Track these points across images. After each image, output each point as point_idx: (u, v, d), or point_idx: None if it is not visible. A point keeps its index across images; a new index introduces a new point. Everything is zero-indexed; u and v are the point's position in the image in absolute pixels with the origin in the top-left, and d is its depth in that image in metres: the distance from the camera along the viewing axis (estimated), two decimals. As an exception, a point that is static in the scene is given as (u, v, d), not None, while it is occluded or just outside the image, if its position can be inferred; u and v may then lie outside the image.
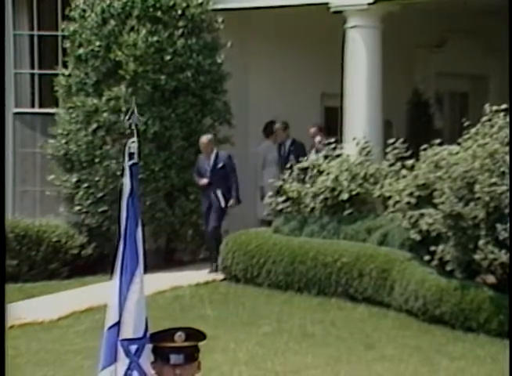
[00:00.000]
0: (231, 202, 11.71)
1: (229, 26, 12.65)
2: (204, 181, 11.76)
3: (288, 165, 11.67)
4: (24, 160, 13.98)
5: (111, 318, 3.43)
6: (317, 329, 9.31)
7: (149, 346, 3.44)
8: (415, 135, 13.70)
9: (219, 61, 12.65)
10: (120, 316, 3.41)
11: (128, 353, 3.39)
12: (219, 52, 12.68)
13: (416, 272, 9.57)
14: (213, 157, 11.84)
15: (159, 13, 12.34)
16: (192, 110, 12.45)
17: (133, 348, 3.39)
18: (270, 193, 11.59)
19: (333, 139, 11.58)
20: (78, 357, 7.90)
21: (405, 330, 9.24)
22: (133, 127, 3.36)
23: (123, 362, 3.39)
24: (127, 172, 3.42)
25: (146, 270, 3.52)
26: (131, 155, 3.40)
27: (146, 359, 3.42)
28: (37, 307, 10.79)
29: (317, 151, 12.19)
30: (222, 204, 11.69)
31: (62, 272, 12.23)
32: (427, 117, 14.98)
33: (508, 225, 8.92)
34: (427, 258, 9.58)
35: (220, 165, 11.78)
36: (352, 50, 12.05)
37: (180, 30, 12.38)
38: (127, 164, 3.41)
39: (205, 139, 11.83)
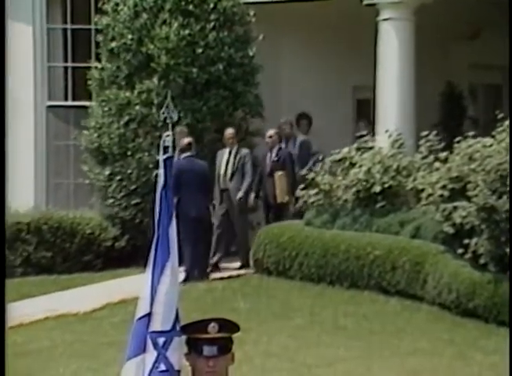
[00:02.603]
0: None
1: (261, 19, 12.64)
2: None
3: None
4: (58, 153, 14.09)
5: (141, 309, 3.45)
6: (349, 322, 9.29)
7: (178, 339, 3.45)
8: (448, 128, 13.61)
9: (251, 54, 12.66)
10: (151, 307, 3.43)
11: (155, 346, 3.41)
12: (251, 45, 12.68)
13: (449, 266, 9.53)
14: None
15: (191, 7, 12.37)
16: (223, 102, 12.47)
17: (161, 340, 3.41)
18: (302, 186, 11.58)
19: (365, 132, 11.55)
20: (112, 349, 7.95)
21: (438, 324, 9.20)
22: (168, 120, 3.37)
23: (151, 354, 3.41)
24: (161, 165, 3.44)
25: (181, 263, 3.54)
26: (165, 148, 3.41)
27: (175, 351, 3.43)
28: (71, 299, 10.88)
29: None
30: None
31: (95, 264, 12.32)
32: (461, 109, 14.87)
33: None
34: (460, 251, 9.52)
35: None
36: (385, 43, 11.99)
37: (212, 24, 12.39)
38: (161, 157, 3.43)
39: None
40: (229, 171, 11.73)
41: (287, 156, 12.18)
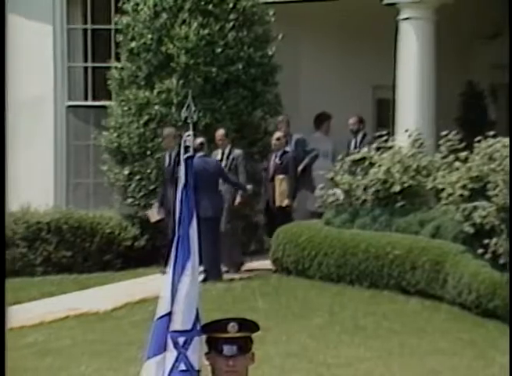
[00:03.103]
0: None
1: (280, 18, 12.64)
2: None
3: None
4: (78, 153, 14.15)
5: (162, 308, 3.46)
6: (369, 321, 9.27)
7: (198, 338, 3.45)
8: (469, 127, 13.55)
9: (270, 53, 12.66)
10: (172, 307, 3.43)
11: (176, 345, 3.41)
12: (270, 45, 12.69)
13: (469, 266, 9.49)
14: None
15: (210, 6, 12.39)
16: (243, 102, 12.48)
17: (181, 340, 3.42)
18: (321, 185, 11.56)
19: (384, 132, 11.52)
20: (133, 348, 7.97)
21: (458, 324, 9.16)
22: (189, 120, 3.38)
23: (171, 354, 3.42)
24: (182, 165, 3.45)
25: (200, 263, 3.55)
26: (186, 148, 3.42)
27: (195, 351, 3.43)
28: (91, 298, 10.92)
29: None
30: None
31: (115, 263, 12.36)
32: (481, 109, 14.80)
33: None
34: (480, 251, 9.48)
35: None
36: (405, 42, 11.96)
37: (231, 23, 12.41)
38: (182, 157, 3.43)
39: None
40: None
41: (291, 160, 12.03)
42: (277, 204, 11.88)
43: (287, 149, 12.18)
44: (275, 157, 12.02)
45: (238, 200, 11.57)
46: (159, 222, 11.59)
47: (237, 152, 11.71)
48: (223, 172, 11.38)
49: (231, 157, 11.59)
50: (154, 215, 11.63)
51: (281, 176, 11.89)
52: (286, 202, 11.83)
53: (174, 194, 12.40)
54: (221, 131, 11.72)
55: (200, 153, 11.20)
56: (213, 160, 11.41)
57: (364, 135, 12.56)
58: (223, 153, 11.64)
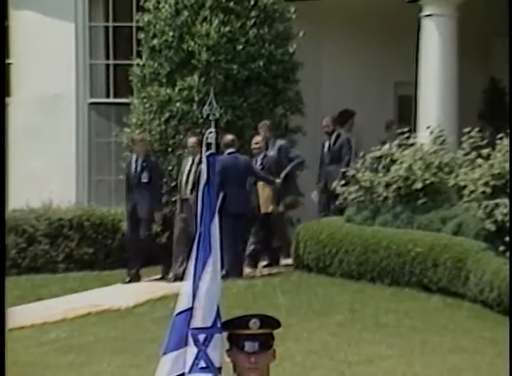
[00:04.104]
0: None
1: (301, 15, 12.62)
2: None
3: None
4: (99, 150, 14.20)
5: (182, 304, 3.46)
6: (390, 319, 9.25)
7: (219, 335, 3.45)
8: (491, 124, 13.47)
9: (291, 51, 12.65)
10: (193, 303, 3.44)
11: (196, 342, 3.41)
12: (291, 42, 12.67)
13: (491, 263, 9.44)
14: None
15: (231, 4, 12.39)
16: (264, 99, 12.47)
17: (201, 337, 3.41)
18: (342, 182, 11.53)
19: (406, 128, 11.47)
20: (154, 345, 7.94)
21: (480, 321, 9.12)
22: (211, 117, 3.38)
23: (192, 351, 3.41)
24: (204, 162, 3.45)
25: (222, 260, 3.54)
26: (208, 145, 3.42)
27: (215, 348, 3.42)
28: (113, 294, 10.96)
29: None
30: None
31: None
32: (504, 105, 14.71)
33: None
34: (502, 248, 9.43)
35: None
36: (427, 39, 11.92)
37: (252, 20, 12.41)
38: (204, 154, 3.44)
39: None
40: (191, 181, 11.28)
41: (272, 163, 11.62)
42: (262, 210, 11.45)
43: (271, 153, 11.84)
44: (256, 161, 11.65)
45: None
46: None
47: (343, 137, 11.69)
48: (253, 169, 11.39)
49: (201, 165, 11.28)
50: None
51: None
52: (271, 208, 11.45)
53: (145, 200, 12.01)
54: (192, 139, 11.44)
55: (230, 150, 11.20)
56: (244, 158, 11.39)
57: (338, 136, 12.32)
58: (193, 161, 11.32)
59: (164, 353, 3.46)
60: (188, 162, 11.51)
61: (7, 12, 13.90)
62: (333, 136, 12.37)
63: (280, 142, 12.14)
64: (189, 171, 11.36)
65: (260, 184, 11.55)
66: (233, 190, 10.88)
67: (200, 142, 11.47)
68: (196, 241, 3.50)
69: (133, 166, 11.58)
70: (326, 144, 12.37)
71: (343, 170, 11.82)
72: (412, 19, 12.07)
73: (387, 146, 11.41)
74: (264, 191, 11.51)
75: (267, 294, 10.24)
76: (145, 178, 11.38)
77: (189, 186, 11.26)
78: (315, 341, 8.57)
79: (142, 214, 11.41)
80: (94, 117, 14.20)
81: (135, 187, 11.43)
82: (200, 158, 11.15)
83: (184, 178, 11.41)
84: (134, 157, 11.65)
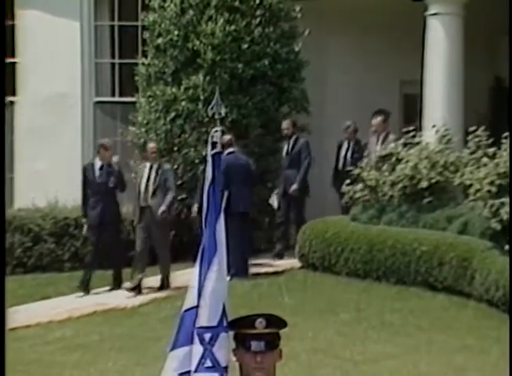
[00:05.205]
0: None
1: (307, 14, 12.62)
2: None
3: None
4: (105, 149, 14.19)
5: (189, 302, 3.47)
6: (396, 318, 9.24)
7: (225, 335, 3.45)
8: (497, 123, 13.45)
9: (296, 49, 12.66)
10: (198, 302, 3.44)
11: (202, 341, 3.42)
12: (296, 41, 12.68)
13: (496, 262, 9.42)
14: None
15: (237, 3, 12.39)
16: (269, 98, 12.48)
17: (207, 336, 3.42)
18: (347, 181, 11.52)
19: (412, 127, 11.46)
20: (160, 344, 7.96)
21: (485, 321, 9.11)
22: (216, 116, 3.38)
23: (198, 350, 3.42)
24: (209, 161, 3.45)
25: (228, 259, 3.54)
26: (214, 144, 3.42)
27: (221, 347, 3.43)
28: (119, 293, 10.97)
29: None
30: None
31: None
32: (510, 104, 14.69)
33: None
34: (507, 247, 9.42)
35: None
36: (433, 38, 11.90)
37: (257, 19, 12.41)
38: (209, 153, 3.44)
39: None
40: (151, 188, 10.91)
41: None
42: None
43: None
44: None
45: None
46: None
47: (167, 166, 11.23)
48: (250, 169, 11.38)
49: (160, 171, 10.94)
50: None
51: None
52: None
53: (106, 205, 11.71)
54: (152, 144, 11.26)
55: (229, 149, 11.20)
56: (244, 158, 11.41)
57: (296, 140, 12.15)
58: (151, 168, 11.00)
59: (172, 349, 3.47)
60: (145, 168, 11.04)
61: (13, 12, 13.92)
62: (292, 140, 12.16)
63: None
64: (148, 177, 10.97)
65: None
66: (237, 189, 10.89)
67: (157, 149, 11.36)
68: (202, 241, 3.51)
69: (97, 173, 11.21)
70: (285, 148, 12.20)
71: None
72: (418, 17, 12.06)
73: (392, 145, 11.40)
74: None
75: (272, 293, 10.24)
76: (111, 184, 11.11)
77: (150, 194, 10.90)
78: (321, 340, 8.57)
79: (108, 219, 11.11)
80: (99, 115, 14.22)
81: (101, 193, 11.08)
82: (159, 165, 11.09)
83: (143, 185, 10.92)
84: (98, 162, 11.27)
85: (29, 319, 9.89)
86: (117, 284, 11.13)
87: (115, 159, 11.28)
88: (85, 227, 11.39)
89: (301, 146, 12.15)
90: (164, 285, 10.98)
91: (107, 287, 11.23)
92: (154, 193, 10.93)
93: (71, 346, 8.79)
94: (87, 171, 11.40)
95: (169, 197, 10.92)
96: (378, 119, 12.00)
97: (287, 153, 12.17)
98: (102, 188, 11.16)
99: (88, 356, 8.47)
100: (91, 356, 8.45)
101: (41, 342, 9.04)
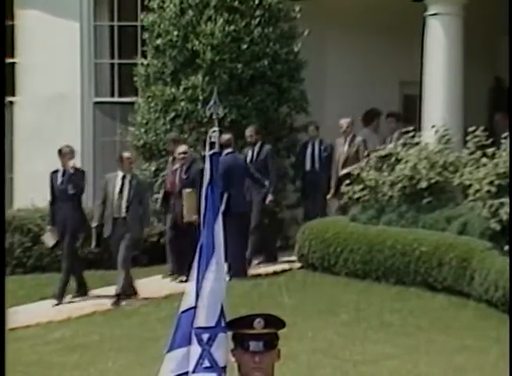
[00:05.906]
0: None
1: (306, 15, 12.62)
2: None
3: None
4: (104, 149, 14.21)
5: (187, 303, 3.47)
6: (395, 318, 9.24)
7: (223, 335, 3.45)
8: (496, 123, 13.45)
9: (296, 50, 12.66)
10: (196, 302, 3.44)
11: (200, 342, 3.41)
12: (296, 41, 12.68)
13: (496, 262, 9.43)
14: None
15: (236, 3, 12.40)
16: (268, 98, 12.48)
17: (205, 336, 3.41)
18: (347, 182, 11.52)
19: (411, 127, 11.46)
20: (159, 344, 7.95)
21: (485, 321, 9.11)
22: (214, 116, 3.38)
23: (196, 350, 3.42)
24: (207, 161, 3.45)
25: (227, 260, 3.54)
26: (212, 144, 3.42)
27: (219, 348, 3.42)
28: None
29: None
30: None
31: (142, 259, 12.39)
32: (510, 104, 14.69)
33: None
34: (506, 248, 9.42)
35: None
36: (432, 38, 11.90)
37: (257, 20, 12.42)
38: (208, 153, 3.44)
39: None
40: (125, 199, 10.61)
41: (197, 173, 10.75)
42: (185, 219, 10.94)
43: (198, 164, 11.14)
44: (181, 171, 11.28)
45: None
46: (56, 246, 11.04)
47: (141, 177, 11.10)
48: (249, 170, 11.39)
49: (134, 182, 10.69)
50: (49, 239, 11.01)
51: (188, 190, 10.95)
52: (194, 217, 10.66)
53: (72, 213, 11.49)
54: (127, 154, 10.91)
55: (228, 150, 11.20)
56: (242, 158, 11.42)
57: (262, 145, 11.81)
58: (124, 178, 10.68)
59: (169, 350, 3.46)
60: (117, 177, 10.70)
61: (12, 12, 13.92)
62: (257, 147, 11.82)
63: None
64: (121, 188, 10.66)
65: (186, 192, 11.00)
66: (235, 190, 10.89)
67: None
68: (200, 241, 3.51)
69: (59, 179, 11.00)
70: (249, 155, 11.78)
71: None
72: (418, 18, 12.06)
73: (391, 145, 11.40)
74: (188, 200, 10.95)
75: (272, 293, 10.24)
76: (71, 190, 10.87)
77: (124, 204, 10.59)
78: (320, 340, 8.57)
79: (73, 226, 10.93)
80: (99, 116, 14.22)
81: (62, 200, 10.88)
82: (133, 175, 10.91)
83: (116, 195, 10.57)
84: (61, 169, 11.03)
85: (28, 319, 9.89)
86: (83, 291, 10.88)
87: (71, 163, 11.08)
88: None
89: (267, 154, 11.76)
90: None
91: (105, 288, 11.22)
92: (129, 205, 10.57)
93: (71, 346, 8.79)
94: (52, 178, 11.15)
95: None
96: (347, 120, 11.97)
97: (251, 160, 11.72)
98: (61, 195, 10.94)
99: (87, 356, 8.47)
100: (90, 356, 8.45)
101: (40, 342, 9.04)
